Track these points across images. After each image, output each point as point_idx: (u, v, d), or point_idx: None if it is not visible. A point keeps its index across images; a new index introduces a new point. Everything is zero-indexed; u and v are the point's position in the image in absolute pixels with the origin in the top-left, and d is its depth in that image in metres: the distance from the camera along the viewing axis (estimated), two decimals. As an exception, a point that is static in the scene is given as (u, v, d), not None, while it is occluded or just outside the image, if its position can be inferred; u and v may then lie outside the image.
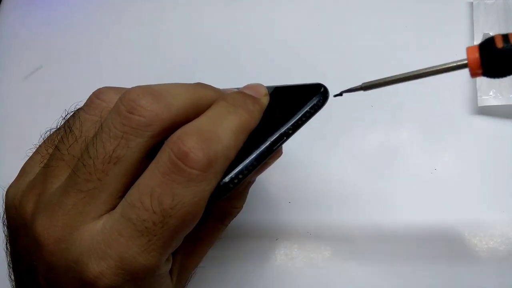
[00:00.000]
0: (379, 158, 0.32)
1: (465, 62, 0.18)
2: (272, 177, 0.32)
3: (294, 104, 0.23)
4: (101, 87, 0.21)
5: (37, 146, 0.23)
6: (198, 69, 0.36)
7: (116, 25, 0.40)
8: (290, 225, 0.30)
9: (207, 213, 0.21)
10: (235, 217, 0.24)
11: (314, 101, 0.23)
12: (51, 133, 0.22)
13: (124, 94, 0.18)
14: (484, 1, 0.36)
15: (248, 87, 0.23)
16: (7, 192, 0.22)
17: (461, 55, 0.35)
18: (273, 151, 0.21)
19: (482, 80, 0.33)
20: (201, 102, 0.20)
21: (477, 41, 0.35)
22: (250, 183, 0.24)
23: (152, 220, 0.17)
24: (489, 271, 0.28)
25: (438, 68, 0.21)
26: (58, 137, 0.20)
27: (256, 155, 0.20)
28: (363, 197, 0.31)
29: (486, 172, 0.31)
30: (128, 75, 0.35)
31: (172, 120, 0.18)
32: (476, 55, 0.18)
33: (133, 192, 0.18)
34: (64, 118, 0.22)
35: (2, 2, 0.43)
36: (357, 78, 0.35)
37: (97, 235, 0.18)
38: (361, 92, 0.35)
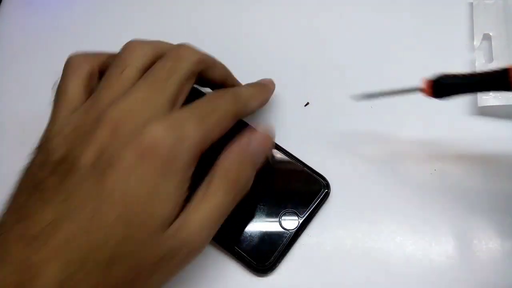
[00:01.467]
0: (379, 159, 0.32)
1: (421, 87, 0.28)
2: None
3: (309, 197, 0.30)
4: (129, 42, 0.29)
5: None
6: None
7: (116, 25, 0.40)
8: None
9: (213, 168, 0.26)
10: (243, 185, 0.27)
11: (322, 203, 0.30)
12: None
13: (173, 47, 0.29)
14: (484, 1, 0.36)
15: (262, 80, 0.33)
16: (48, 130, 0.26)
17: (460, 55, 0.35)
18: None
19: (482, 80, 0.33)
20: (207, 59, 0.30)
21: (477, 41, 0.35)
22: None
23: (206, 110, 0.26)
24: (489, 271, 0.28)
25: (405, 89, 0.29)
26: (107, 73, 0.27)
27: (289, 245, 0.29)
28: (363, 198, 0.31)
29: (486, 172, 0.31)
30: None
31: (198, 60, 0.28)
32: (429, 84, 0.27)
33: (193, 102, 0.26)
34: None
35: (2, 2, 0.43)
36: (356, 78, 0.35)
37: (166, 116, 0.24)
38: (360, 91, 0.35)
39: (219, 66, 0.31)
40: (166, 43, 0.30)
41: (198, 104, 0.26)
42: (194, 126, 0.24)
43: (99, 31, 0.40)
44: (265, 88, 0.32)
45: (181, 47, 0.29)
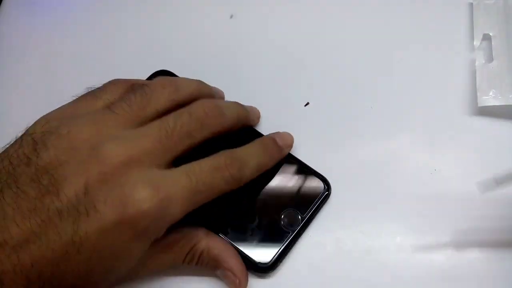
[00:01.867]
0: (379, 159, 0.32)
1: None
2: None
3: (306, 193, 0.30)
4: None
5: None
6: (199, 69, 0.36)
7: (116, 25, 0.40)
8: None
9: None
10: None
11: (323, 204, 0.30)
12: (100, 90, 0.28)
13: (208, 103, 0.28)
14: (484, 2, 0.36)
15: (280, 135, 0.31)
16: (48, 118, 0.26)
17: (460, 55, 0.35)
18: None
19: (482, 81, 0.33)
20: (242, 119, 0.30)
21: (477, 41, 0.35)
22: None
23: (200, 188, 0.25)
24: (490, 271, 0.28)
25: None
26: (131, 96, 0.26)
27: (290, 245, 0.29)
28: (363, 198, 0.31)
29: (486, 172, 0.31)
30: (128, 75, 0.35)
31: (226, 127, 0.28)
32: None
33: (195, 165, 0.25)
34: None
35: (2, 2, 0.43)
36: (356, 78, 0.35)
37: (158, 175, 0.24)
38: (360, 91, 0.35)
39: (238, 125, 0.30)
40: (197, 88, 0.29)
41: (198, 171, 0.25)
42: (181, 202, 0.24)
43: (99, 31, 0.40)
44: (275, 155, 0.30)
45: (214, 109, 0.28)
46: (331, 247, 0.29)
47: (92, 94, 0.28)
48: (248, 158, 0.28)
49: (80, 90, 0.28)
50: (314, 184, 0.30)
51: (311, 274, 0.29)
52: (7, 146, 0.25)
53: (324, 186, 0.30)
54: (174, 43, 0.39)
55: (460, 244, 0.29)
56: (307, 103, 0.35)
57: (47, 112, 0.28)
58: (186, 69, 0.35)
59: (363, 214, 0.30)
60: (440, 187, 0.31)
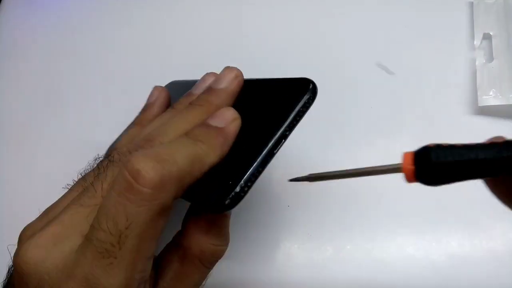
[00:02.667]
0: (379, 159, 0.32)
1: (399, 167, 0.19)
2: (271, 182, 0.32)
3: (282, 101, 0.22)
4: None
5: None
6: (198, 66, 0.36)
7: (116, 25, 0.40)
8: (290, 227, 0.30)
9: (183, 250, 0.21)
10: (219, 258, 0.22)
11: (305, 99, 0.23)
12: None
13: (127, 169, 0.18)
14: (484, 1, 0.36)
15: (214, 116, 0.22)
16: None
17: (461, 54, 0.35)
18: (274, 155, 0.21)
19: (483, 80, 0.33)
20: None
21: (478, 40, 0.35)
22: (228, 217, 0.22)
23: (109, 241, 0.17)
24: (489, 271, 0.28)
25: (377, 169, 0.20)
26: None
27: (260, 161, 0.20)
28: (362, 199, 0.31)
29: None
30: (128, 75, 0.35)
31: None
32: (411, 166, 0.18)
33: (96, 214, 0.18)
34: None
35: (2, 2, 0.43)
36: (356, 77, 0.35)
37: (71, 254, 0.18)
38: (361, 93, 0.35)
39: None
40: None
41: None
42: (104, 278, 0.18)
43: (99, 31, 0.40)
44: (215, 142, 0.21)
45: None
46: (332, 248, 0.29)
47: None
48: (172, 152, 0.19)
49: (79, 90, 0.28)
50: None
51: (312, 275, 0.29)
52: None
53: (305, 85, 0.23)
54: (174, 42, 0.39)
55: (461, 244, 0.29)
56: None
57: (46, 111, 0.28)
58: (186, 68, 0.35)
59: (363, 214, 0.30)
60: (440, 187, 0.31)
